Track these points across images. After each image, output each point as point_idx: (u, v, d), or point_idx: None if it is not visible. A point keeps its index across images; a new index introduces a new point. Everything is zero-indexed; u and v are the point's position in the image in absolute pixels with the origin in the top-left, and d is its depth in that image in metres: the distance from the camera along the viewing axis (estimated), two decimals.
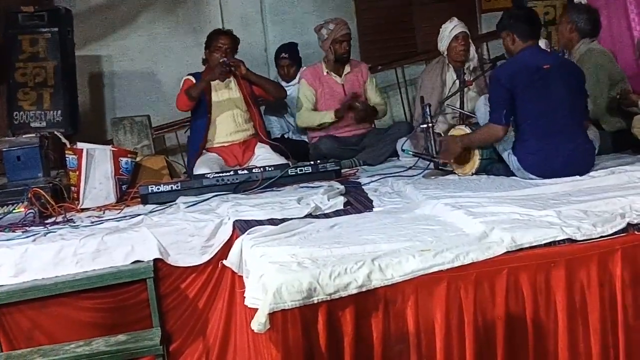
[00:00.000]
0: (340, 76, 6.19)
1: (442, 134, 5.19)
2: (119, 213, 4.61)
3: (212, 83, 5.69)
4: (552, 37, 6.02)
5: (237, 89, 5.73)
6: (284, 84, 6.67)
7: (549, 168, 4.25)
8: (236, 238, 3.74)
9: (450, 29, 5.82)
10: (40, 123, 6.16)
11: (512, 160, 4.41)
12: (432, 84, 5.94)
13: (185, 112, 5.88)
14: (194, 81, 5.69)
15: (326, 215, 3.98)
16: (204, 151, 5.68)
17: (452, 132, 4.88)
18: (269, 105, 6.66)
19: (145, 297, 3.92)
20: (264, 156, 5.53)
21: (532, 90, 4.30)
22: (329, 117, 6.07)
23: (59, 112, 6.22)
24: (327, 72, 6.17)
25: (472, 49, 5.89)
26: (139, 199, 4.82)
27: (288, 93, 6.48)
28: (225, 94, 5.73)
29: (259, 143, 5.74)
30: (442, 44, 5.89)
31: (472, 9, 8.48)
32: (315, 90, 6.14)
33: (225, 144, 5.72)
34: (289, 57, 6.67)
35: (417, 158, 5.16)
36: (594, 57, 5.09)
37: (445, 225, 3.42)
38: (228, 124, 5.71)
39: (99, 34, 7.70)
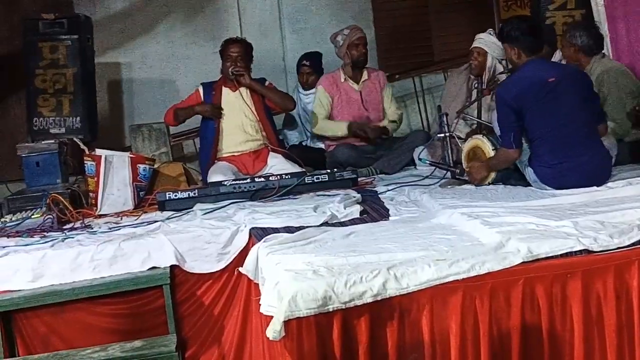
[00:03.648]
0: (358, 83, 6.20)
1: (461, 138, 5.16)
2: (136, 219, 4.62)
3: (223, 92, 5.74)
4: None
5: (248, 98, 5.73)
6: (303, 92, 6.71)
7: (565, 181, 4.21)
8: (252, 245, 3.75)
9: (475, 39, 5.76)
10: (60, 129, 6.20)
11: (528, 172, 4.39)
12: (457, 89, 5.92)
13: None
14: (202, 95, 5.79)
15: (342, 224, 3.98)
16: (215, 161, 5.69)
17: (469, 142, 4.87)
18: (285, 119, 6.74)
19: (161, 303, 3.93)
20: (278, 166, 5.51)
21: (541, 105, 4.24)
22: (341, 131, 6.09)
23: (78, 118, 6.26)
24: (345, 79, 6.18)
25: (488, 64, 5.68)
26: (156, 206, 4.83)
27: (307, 102, 6.51)
28: (236, 104, 5.73)
29: (271, 153, 5.74)
30: None
31: (491, 18, 8.46)
32: (332, 97, 6.15)
33: (236, 154, 5.72)
34: (310, 65, 6.71)
35: (433, 167, 5.15)
36: (612, 78, 5.04)
37: (461, 234, 3.41)
38: (237, 133, 5.72)
39: (119, 41, 7.76)
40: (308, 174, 5.09)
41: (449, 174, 4.94)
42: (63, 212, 4.64)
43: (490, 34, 5.73)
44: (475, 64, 5.68)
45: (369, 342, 2.84)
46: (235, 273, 3.89)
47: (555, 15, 6.25)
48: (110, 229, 4.38)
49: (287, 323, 2.77)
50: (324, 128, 6.17)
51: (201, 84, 5.89)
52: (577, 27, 5.38)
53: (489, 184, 4.64)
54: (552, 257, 3.04)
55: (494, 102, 5.54)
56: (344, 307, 2.81)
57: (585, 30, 5.24)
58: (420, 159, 5.43)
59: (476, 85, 5.67)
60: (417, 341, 2.90)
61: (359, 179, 5.25)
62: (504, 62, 5.80)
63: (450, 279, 2.91)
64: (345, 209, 4.21)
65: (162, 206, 4.79)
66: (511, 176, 4.60)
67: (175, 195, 4.82)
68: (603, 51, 5.37)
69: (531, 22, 4.56)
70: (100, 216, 4.83)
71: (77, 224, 4.56)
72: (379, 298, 2.84)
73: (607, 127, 4.59)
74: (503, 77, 5.57)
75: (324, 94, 6.16)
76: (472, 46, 5.72)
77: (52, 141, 5.50)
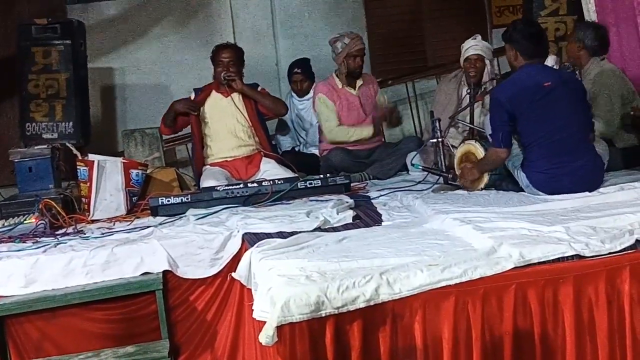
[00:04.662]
0: (355, 89, 6.21)
1: (453, 147, 5.18)
2: (129, 225, 4.62)
3: (215, 97, 5.74)
4: (562, 54, 6.02)
5: (240, 104, 5.73)
6: (297, 99, 6.70)
7: (557, 186, 4.23)
8: (245, 251, 3.75)
9: (467, 47, 5.71)
10: (52, 134, 6.19)
11: (521, 178, 4.40)
12: (447, 97, 5.92)
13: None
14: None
15: (335, 229, 3.99)
16: (208, 166, 5.70)
17: (462, 147, 4.88)
18: (278, 124, 6.75)
19: (154, 308, 3.93)
20: (271, 171, 5.49)
21: (535, 109, 4.25)
22: (367, 131, 6.10)
23: (71, 123, 6.26)
24: (342, 86, 6.17)
25: (487, 71, 5.72)
26: (149, 211, 4.83)
27: (301, 108, 6.51)
28: (228, 109, 5.73)
29: (264, 158, 5.73)
30: (461, 60, 5.80)
31: (483, 23, 8.51)
32: (334, 103, 6.13)
33: (228, 159, 5.71)
34: (302, 72, 6.69)
35: (426, 173, 5.16)
36: (606, 80, 5.08)
37: (453, 240, 3.42)
38: (230, 139, 5.71)
39: (112, 46, 7.77)
40: (301, 179, 5.10)
41: (441, 179, 4.96)
42: (55, 218, 4.64)
43: (475, 39, 5.75)
44: (475, 72, 5.65)
45: (361, 347, 2.84)
46: (228, 278, 3.90)
47: (547, 21, 6.29)
48: (102, 234, 4.38)
49: (279, 328, 2.76)
50: (346, 134, 6.10)
51: (194, 89, 5.90)
52: (588, 26, 5.42)
53: (482, 189, 4.65)
54: (544, 262, 3.04)
55: (485, 108, 5.60)
56: (336, 312, 2.81)
57: (595, 31, 5.27)
58: (412, 165, 5.44)
59: (468, 92, 5.68)
60: (410, 346, 2.90)
61: (352, 184, 5.25)
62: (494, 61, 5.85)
63: (443, 284, 2.91)
64: (338, 214, 4.21)
65: (155, 211, 4.79)
66: (503, 181, 4.61)
67: (168, 201, 4.82)
68: (605, 55, 5.39)
69: (536, 30, 4.52)
70: (93, 221, 4.83)
71: (70, 230, 4.56)
72: (371, 303, 2.84)
73: (594, 137, 4.61)
74: (494, 82, 5.60)
75: (329, 101, 6.12)
76: (470, 54, 5.68)
77: (45, 146, 5.48)
